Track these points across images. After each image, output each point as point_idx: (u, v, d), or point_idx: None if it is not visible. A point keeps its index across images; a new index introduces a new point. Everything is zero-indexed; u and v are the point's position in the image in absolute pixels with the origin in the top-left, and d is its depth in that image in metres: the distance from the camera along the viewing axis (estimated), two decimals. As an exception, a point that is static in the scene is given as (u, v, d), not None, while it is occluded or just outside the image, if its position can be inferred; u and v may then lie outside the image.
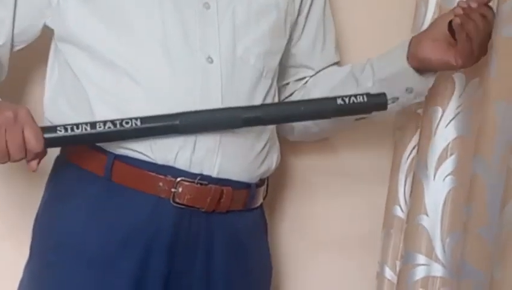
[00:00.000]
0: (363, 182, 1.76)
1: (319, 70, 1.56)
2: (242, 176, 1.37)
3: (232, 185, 1.35)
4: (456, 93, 1.55)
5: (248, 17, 1.38)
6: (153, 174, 1.31)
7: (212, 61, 1.33)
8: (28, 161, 1.22)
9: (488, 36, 1.36)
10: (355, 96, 1.29)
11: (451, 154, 1.55)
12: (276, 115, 1.32)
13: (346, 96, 1.29)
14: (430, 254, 1.55)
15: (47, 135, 1.22)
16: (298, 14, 1.50)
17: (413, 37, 1.45)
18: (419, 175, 1.56)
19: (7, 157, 1.19)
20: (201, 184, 1.32)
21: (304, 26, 1.53)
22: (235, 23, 1.36)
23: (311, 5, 1.52)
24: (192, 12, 1.33)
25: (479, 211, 1.53)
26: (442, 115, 1.55)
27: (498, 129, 1.62)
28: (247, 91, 1.36)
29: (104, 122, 1.23)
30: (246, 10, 1.38)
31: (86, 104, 1.31)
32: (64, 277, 1.32)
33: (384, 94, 1.33)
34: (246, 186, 1.39)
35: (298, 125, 1.51)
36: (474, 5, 1.32)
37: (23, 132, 1.18)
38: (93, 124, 1.23)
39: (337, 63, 1.59)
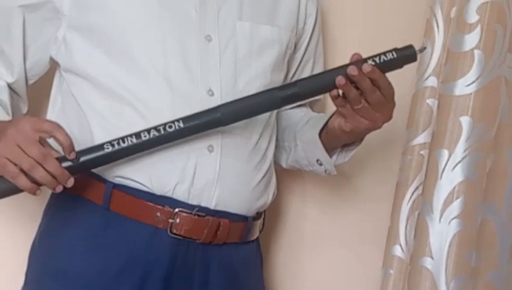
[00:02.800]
0: (362, 211, 1.75)
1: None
2: (240, 209, 1.37)
3: (229, 218, 1.35)
4: (464, 136, 1.54)
5: (250, 51, 1.39)
6: (151, 204, 1.31)
7: (212, 94, 1.33)
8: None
9: (388, 90, 1.28)
10: (385, 54, 1.27)
11: (457, 198, 1.53)
12: (312, 88, 1.28)
13: (375, 56, 1.27)
14: (435, 297, 1.53)
15: (96, 154, 1.23)
16: (296, 51, 1.52)
17: None
18: (424, 217, 1.55)
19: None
20: (198, 216, 1.32)
21: (300, 61, 1.54)
22: (236, 56, 1.37)
23: (308, 44, 1.54)
24: (194, 44, 1.34)
25: (489, 257, 1.51)
26: (448, 158, 1.55)
27: (510, 176, 1.61)
28: (246, 124, 1.35)
29: (148, 131, 1.25)
30: (249, 44, 1.38)
31: (88, 134, 1.33)
32: None
33: (411, 46, 1.29)
34: (243, 219, 1.38)
35: (291, 156, 1.51)
36: (354, 72, 1.24)
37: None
38: (137, 135, 1.24)
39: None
